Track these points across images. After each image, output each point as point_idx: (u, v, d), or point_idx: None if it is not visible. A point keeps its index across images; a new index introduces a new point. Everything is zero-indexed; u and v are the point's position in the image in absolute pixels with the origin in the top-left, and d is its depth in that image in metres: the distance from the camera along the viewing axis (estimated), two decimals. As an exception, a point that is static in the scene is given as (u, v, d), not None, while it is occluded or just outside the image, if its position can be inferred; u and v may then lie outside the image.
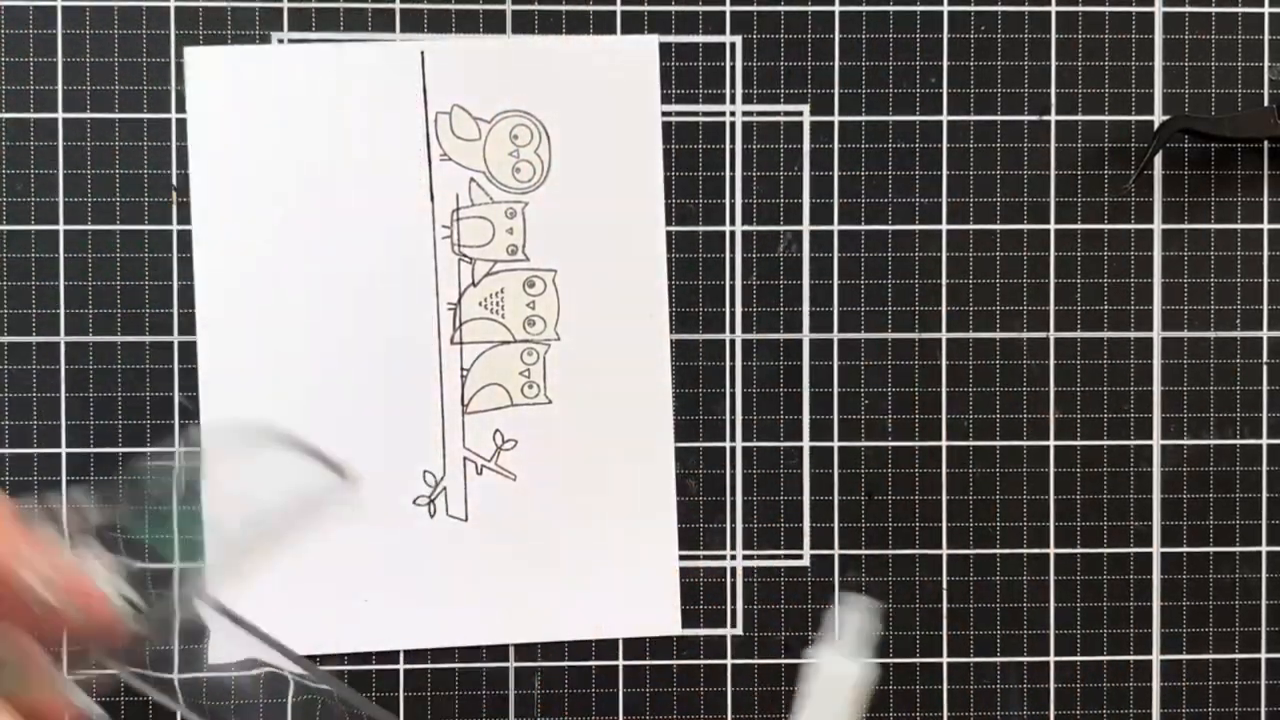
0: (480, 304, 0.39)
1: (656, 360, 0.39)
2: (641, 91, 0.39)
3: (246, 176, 0.38)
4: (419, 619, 0.38)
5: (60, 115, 0.39)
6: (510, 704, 0.39)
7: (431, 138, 0.38)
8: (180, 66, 0.39)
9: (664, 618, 0.39)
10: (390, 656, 0.39)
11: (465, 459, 0.39)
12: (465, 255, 0.39)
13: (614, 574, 0.39)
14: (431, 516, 0.38)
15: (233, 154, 0.38)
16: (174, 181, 0.38)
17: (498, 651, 0.39)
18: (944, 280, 0.40)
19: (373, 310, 0.38)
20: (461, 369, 0.39)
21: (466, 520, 0.39)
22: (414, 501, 0.38)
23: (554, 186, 0.39)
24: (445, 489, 0.38)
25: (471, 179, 0.39)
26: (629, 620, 0.39)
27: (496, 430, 0.39)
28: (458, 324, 0.39)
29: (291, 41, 0.39)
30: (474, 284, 0.39)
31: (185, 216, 0.38)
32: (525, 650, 0.39)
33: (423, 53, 0.38)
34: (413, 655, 0.39)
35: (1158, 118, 0.40)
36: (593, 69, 0.39)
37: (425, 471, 0.38)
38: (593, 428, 0.38)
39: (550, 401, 0.39)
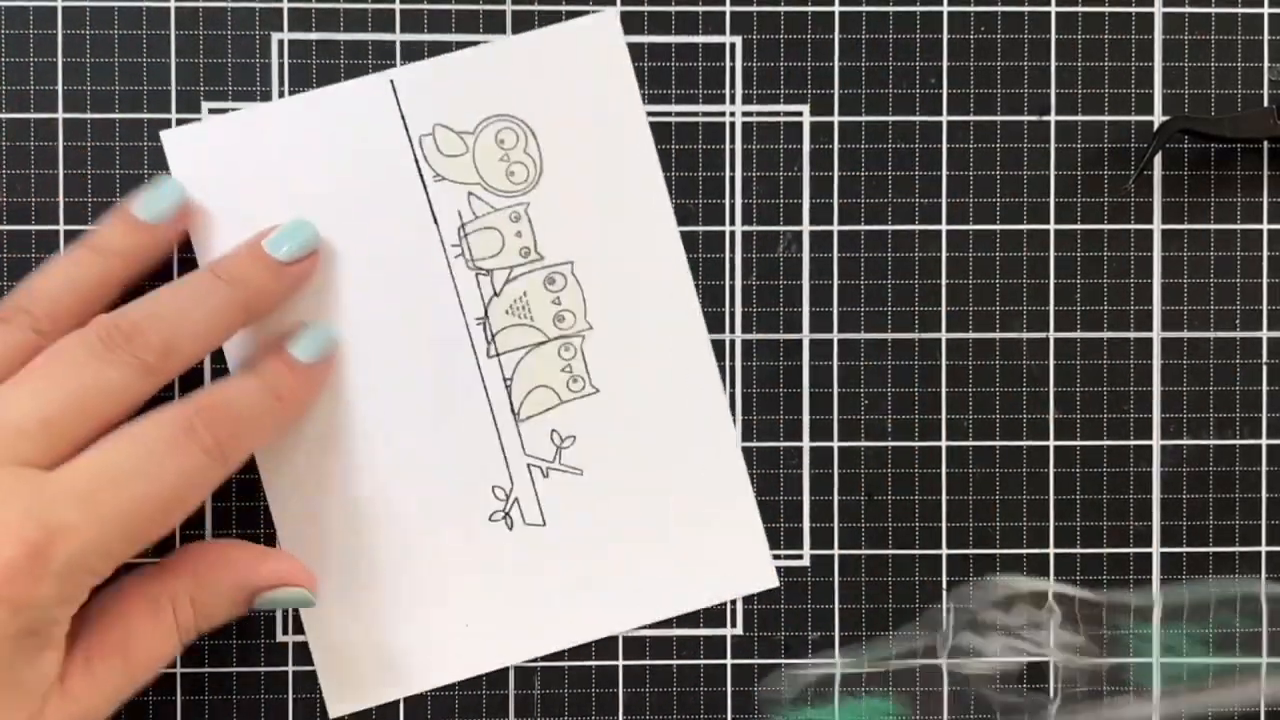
0: (507, 312, 0.39)
1: (691, 328, 0.39)
2: (614, 67, 0.39)
3: (245, 210, 0.38)
4: (523, 631, 0.39)
5: (60, 115, 0.39)
6: (510, 704, 0.39)
7: (421, 161, 0.38)
8: (180, 67, 0.38)
9: (761, 573, 0.39)
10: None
11: (529, 465, 0.39)
12: (481, 268, 0.39)
13: (702, 540, 0.39)
14: (510, 529, 0.39)
15: (231, 223, 0.38)
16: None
17: (580, 649, 0.39)
18: (944, 280, 0.40)
19: (403, 345, 0.38)
20: (504, 379, 0.39)
21: (545, 525, 0.39)
22: (490, 518, 0.38)
23: (551, 181, 0.39)
24: (517, 499, 0.39)
25: (469, 193, 0.39)
26: (729, 584, 0.39)
27: (553, 430, 0.39)
28: (490, 336, 0.39)
29: (291, 42, 0.39)
30: (496, 294, 0.39)
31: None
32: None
33: (392, 81, 0.38)
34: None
35: (1158, 118, 0.40)
36: (561, 57, 0.39)
37: (494, 487, 0.38)
38: (646, 406, 0.39)
39: (598, 390, 0.39)
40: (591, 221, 0.39)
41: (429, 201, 0.38)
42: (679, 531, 0.39)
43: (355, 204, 0.38)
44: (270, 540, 0.39)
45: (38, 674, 0.32)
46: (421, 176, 0.38)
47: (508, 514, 0.39)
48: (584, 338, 0.39)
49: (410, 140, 0.38)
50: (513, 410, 0.39)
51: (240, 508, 0.39)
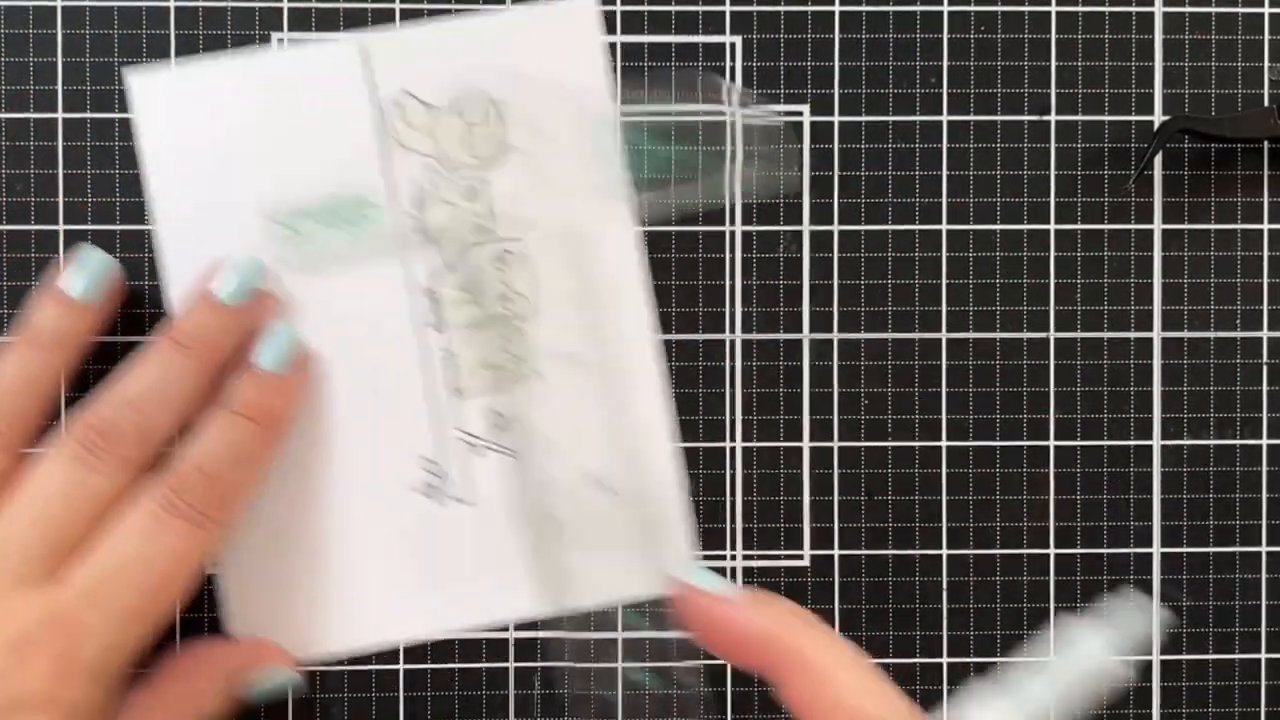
0: (456, 287, 0.39)
1: (637, 317, 0.39)
2: (587, 54, 0.39)
3: (209, 193, 0.38)
4: (442, 605, 0.38)
5: (60, 115, 0.39)
6: (510, 704, 0.39)
7: (385, 128, 0.38)
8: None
9: (681, 571, 0.38)
10: (390, 657, 0.39)
11: (464, 442, 0.39)
12: (434, 240, 0.39)
13: (628, 534, 0.39)
14: (437, 504, 0.38)
15: (192, 172, 0.38)
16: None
17: (498, 650, 0.39)
18: (944, 280, 0.40)
19: (348, 310, 0.38)
20: (447, 353, 0.39)
21: (473, 504, 0.39)
22: (418, 491, 0.38)
23: (512, 160, 0.39)
24: (447, 474, 0.38)
25: (430, 164, 0.39)
26: (646, 581, 0.39)
27: (491, 409, 0.39)
28: (436, 309, 0.39)
29: (291, 42, 0.39)
30: (447, 268, 0.39)
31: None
32: (525, 649, 0.39)
33: (365, 45, 0.38)
34: (412, 655, 0.39)
35: (1158, 118, 0.40)
36: (535, 39, 0.38)
37: (426, 460, 0.38)
38: (585, 395, 0.38)
39: (539, 374, 0.39)
40: (549, 205, 0.39)
41: (389, 168, 0.38)
42: (605, 522, 0.39)
43: (315, 163, 0.38)
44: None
45: None
46: (384, 143, 0.38)
47: (436, 488, 0.38)
48: (530, 320, 0.39)
49: (377, 106, 0.38)
50: (452, 385, 0.39)
51: None
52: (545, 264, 0.38)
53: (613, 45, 0.39)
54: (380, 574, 0.38)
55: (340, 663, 0.39)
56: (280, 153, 0.38)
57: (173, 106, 0.38)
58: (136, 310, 0.39)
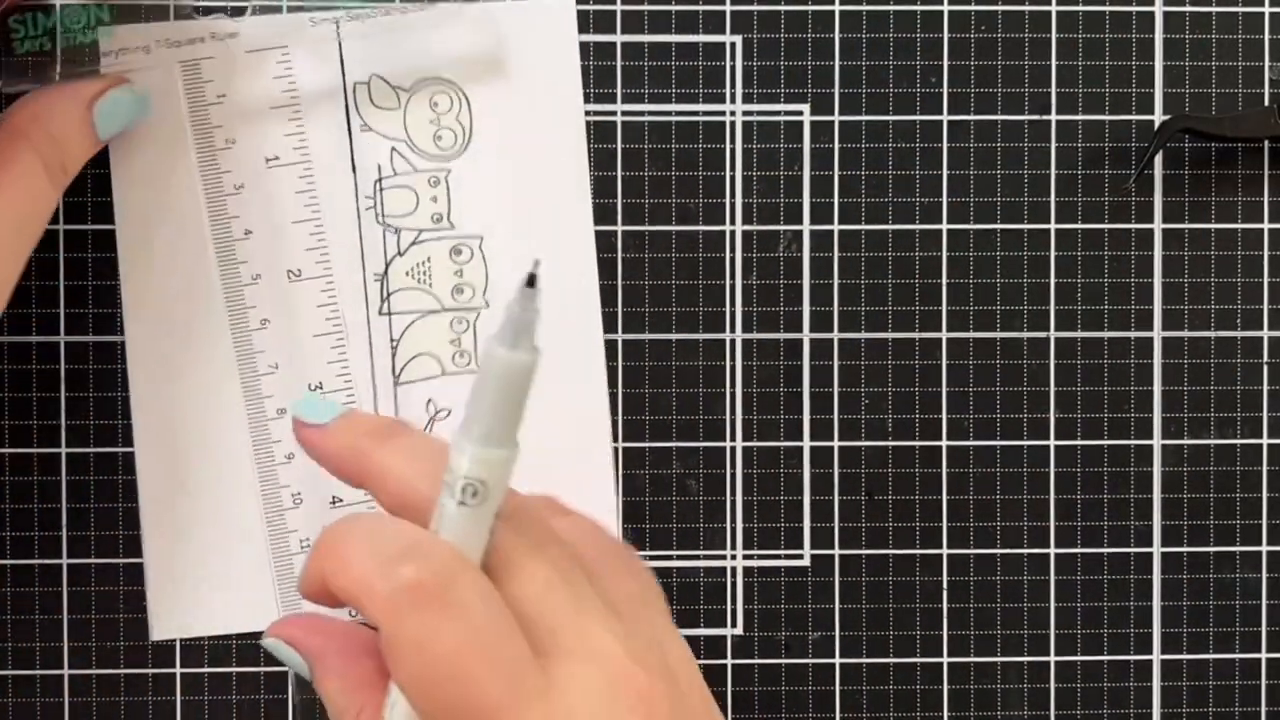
0: (407, 274, 0.39)
1: (588, 321, 0.39)
2: (560, 53, 0.39)
3: (165, 159, 0.38)
4: None
5: (60, 115, 0.38)
6: (510, 704, 0.39)
7: (351, 109, 0.38)
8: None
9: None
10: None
11: None
12: (390, 225, 0.39)
13: None
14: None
15: (149, 134, 0.37)
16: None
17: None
18: (944, 280, 0.40)
19: (299, 285, 0.38)
20: (391, 340, 0.39)
21: None
22: None
23: (476, 153, 0.39)
24: None
25: (393, 148, 0.39)
26: None
27: (429, 400, 0.39)
28: (385, 295, 0.39)
29: (262, 10, 0.39)
30: (400, 254, 0.39)
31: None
32: (525, 650, 0.39)
33: (338, 23, 0.38)
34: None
35: (1158, 117, 0.40)
36: (510, 33, 0.38)
37: None
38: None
39: None
40: (508, 201, 0.39)
41: (351, 149, 0.38)
42: None
43: (278, 137, 0.38)
44: (134, 474, 0.39)
45: None
46: (349, 123, 0.38)
47: None
48: (479, 314, 0.39)
49: (344, 85, 0.38)
50: (393, 372, 0.39)
51: (100, 425, 0.38)
52: (500, 259, 0.38)
53: (612, 45, 0.39)
54: (303, 553, 0.38)
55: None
56: (246, 121, 0.38)
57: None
58: (110, 310, 0.38)
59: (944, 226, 0.40)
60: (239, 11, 0.38)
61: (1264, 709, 0.40)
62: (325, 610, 0.32)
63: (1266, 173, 0.40)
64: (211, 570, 0.38)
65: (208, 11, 0.38)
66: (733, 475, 0.40)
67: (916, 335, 0.40)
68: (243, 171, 0.38)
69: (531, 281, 0.27)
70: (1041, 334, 0.40)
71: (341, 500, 0.38)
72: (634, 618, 0.30)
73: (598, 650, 0.29)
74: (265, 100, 0.38)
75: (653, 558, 0.39)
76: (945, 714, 0.40)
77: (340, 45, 0.38)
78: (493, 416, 0.28)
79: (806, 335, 0.39)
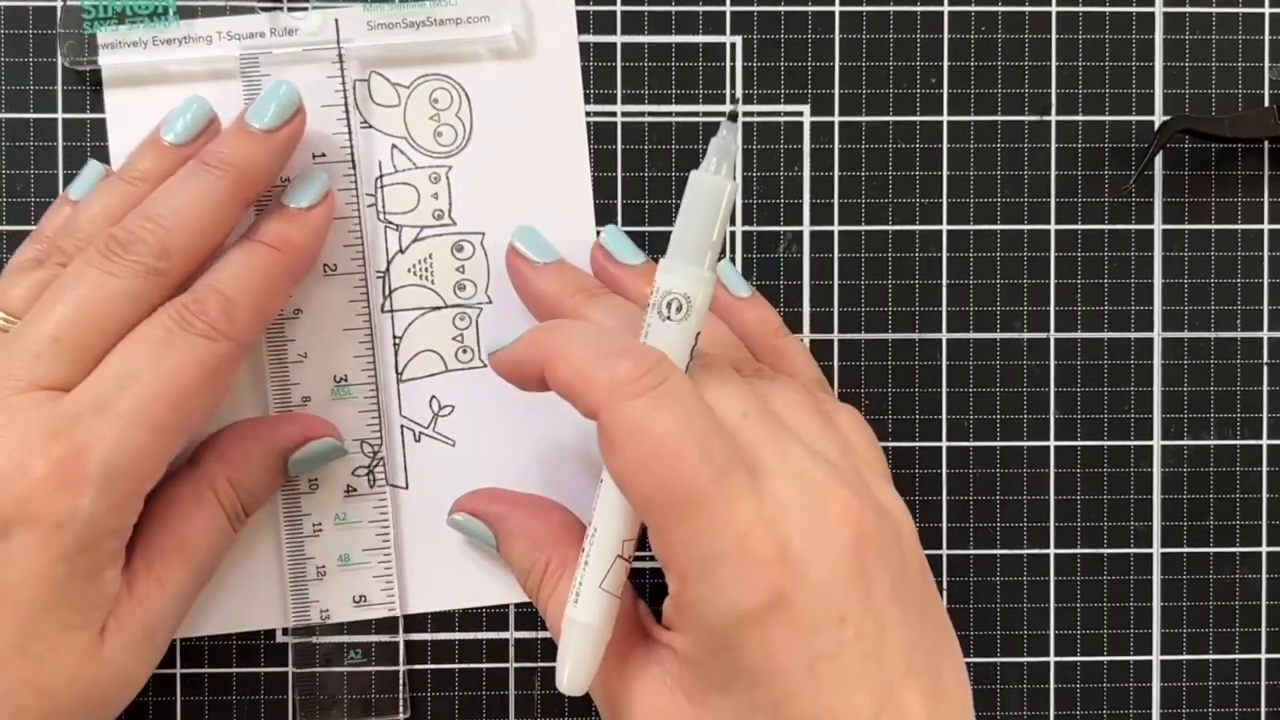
0: (409, 270, 0.39)
1: None
2: (561, 52, 0.39)
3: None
4: (369, 589, 0.38)
5: (60, 115, 0.39)
6: (510, 704, 0.39)
7: (351, 105, 0.38)
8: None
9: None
10: (390, 657, 0.39)
11: (403, 427, 0.39)
12: (391, 222, 0.39)
13: None
14: (370, 486, 0.38)
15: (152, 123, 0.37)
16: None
17: (497, 651, 0.39)
18: (945, 280, 0.40)
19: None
20: (394, 337, 0.39)
21: (407, 488, 0.39)
22: (353, 472, 0.38)
23: (477, 149, 0.39)
24: (384, 458, 0.38)
25: (394, 145, 0.39)
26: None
27: (432, 397, 0.39)
28: (387, 292, 0.39)
29: (266, 10, 0.39)
30: (402, 251, 0.39)
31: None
32: (525, 649, 0.39)
33: (337, 21, 0.38)
34: (412, 655, 0.39)
35: (1158, 118, 0.40)
36: (510, 30, 0.38)
37: (363, 442, 0.38)
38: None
39: (485, 365, 0.39)
40: (509, 197, 0.39)
41: (352, 146, 0.38)
42: None
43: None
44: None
45: (98, 592, 0.32)
46: (349, 120, 0.38)
47: (371, 471, 0.38)
48: (481, 310, 0.39)
49: (344, 82, 0.38)
50: (396, 369, 0.39)
51: None
52: (501, 255, 0.38)
53: (612, 45, 0.39)
54: (321, 553, 0.38)
55: (340, 663, 0.39)
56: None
57: (139, 57, 0.38)
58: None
59: (944, 227, 0.40)
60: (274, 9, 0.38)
61: (1264, 709, 0.40)
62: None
63: (1266, 173, 0.40)
64: (237, 567, 0.38)
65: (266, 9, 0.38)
66: (733, 475, 0.39)
67: (916, 335, 0.40)
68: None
69: (733, 117, 0.31)
70: (1041, 334, 0.40)
71: (355, 490, 0.38)
72: (839, 458, 0.32)
73: (800, 470, 0.30)
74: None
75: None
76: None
77: (340, 42, 0.38)
78: (696, 237, 0.31)
79: (807, 335, 0.39)
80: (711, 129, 0.39)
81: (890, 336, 0.40)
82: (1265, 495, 0.40)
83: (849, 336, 0.40)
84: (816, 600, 0.29)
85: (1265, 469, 0.40)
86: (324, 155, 0.38)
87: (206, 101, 0.37)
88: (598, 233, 0.39)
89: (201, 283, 0.34)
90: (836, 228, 0.40)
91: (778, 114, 0.39)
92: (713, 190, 0.31)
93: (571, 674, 0.32)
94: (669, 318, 0.31)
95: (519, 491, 0.38)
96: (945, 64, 0.40)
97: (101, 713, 0.33)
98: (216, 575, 0.37)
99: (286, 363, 0.38)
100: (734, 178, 0.31)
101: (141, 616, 0.33)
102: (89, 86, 0.38)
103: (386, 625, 0.39)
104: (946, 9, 0.40)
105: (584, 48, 0.39)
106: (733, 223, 0.39)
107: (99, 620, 0.33)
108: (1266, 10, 0.40)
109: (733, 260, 0.39)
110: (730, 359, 0.34)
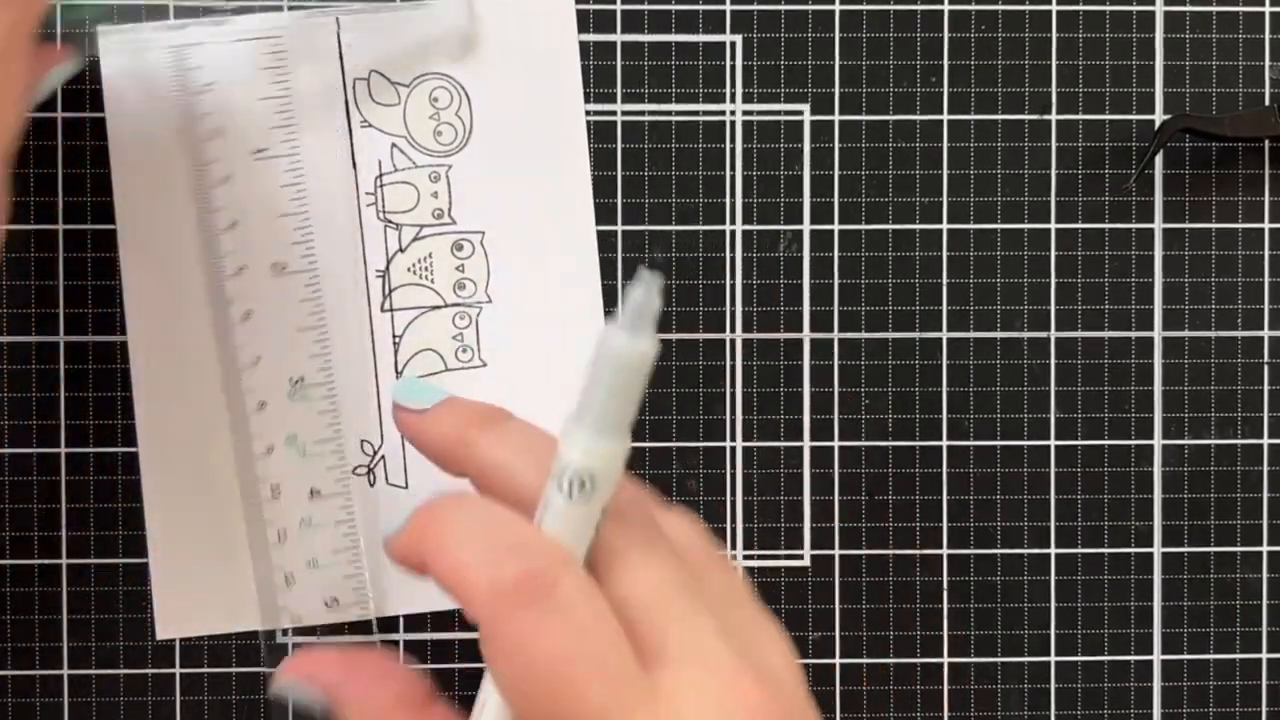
0: (409, 270, 0.39)
1: (589, 316, 0.39)
2: (560, 50, 0.39)
3: (167, 156, 0.38)
4: (370, 587, 0.38)
5: (60, 115, 0.39)
6: (510, 704, 0.39)
7: (351, 104, 0.38)
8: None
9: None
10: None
11: None
12: (391, 221, 0.39)
13: None
14: (370, 485, 0.38)
15: (150, 132, 0.37)
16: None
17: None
18: (944, 280, 0.40)
19: (299, 282, 0.38)
20: (393, 336, 0.39)
21: (407, 488, 0.39)
22: (353, 471, 0.38)
23: (477, 148, 0.39)
24: (384, 457, 0.38)
25: (393, 144, 0.39)
26: None
27: None
28: (387, 291, 0.39)
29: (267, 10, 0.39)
30: (401, 250, 0.39)
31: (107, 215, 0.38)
32: (525, 650, 0.39)
33: (337, 20, 0.38)
34: (411, 654, 0.39)
35: (1159, 117, 0.40)
36: (507, 26, 0.38)
37: (363, 441, 0.38)
38: (528, 389, 0.38)
39: (485, 364, 0.39)
40: (509, 196, 0.39)
41: (351, 146, 0.38)
42: None
43: (278, 133, 0.38)
44: (134, 474, 0.39)
45: None
46: (349, 120, 0.38)
47: (371, 470, 0.38)
48: (481, 309, 0.39)
49: (344, 81, 0.38)
50: (396, 368, 0.39)
51: (100, 425, 0.38)
52: (501, 255, 0.38)
53: (612, 44, 0.39)
54: (311, 552, 0.38)
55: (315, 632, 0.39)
56: (245, 117, 0.38)
57: (141, 64, 0.38)
58: (110, 310, 0.38)
59: (944, 226, 0.40)
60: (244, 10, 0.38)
61: (1264, 709, 0.40)
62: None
63: (1267, 173, 0.40)
64: (217, 569, 0.38)
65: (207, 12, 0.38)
66: (733, 475, 0.40)
67: (916, 335, 0.40)
68: (232, 163, 0.38)
69: (653, 266, 0.27)
70: (1041, 334, 0.40)
71: (319, 492, 0.38)
72: (737, 620, 0.29)
73: (707, 658, 0.27)
74: (254, 91, 0.38)
75: (653, 558, 0.39)
76: (945, 714, 0.40)
77: (339, 41, 0.38)
78: (607, 407, 0.27)
79: (806, 335, 0.39)
80: (712, 128, 0.39)
81: (890, 336, 0.40)
82: (1266, 494, 0.40)
83: (849, 336, 0.40)
84: None
85: (1266, 468, 0.40)
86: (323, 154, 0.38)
87: None
88: (599, 234, 0.39)
89: None
90: (836, 227, 0.40)
91: (777, 113, 0.39)
92: (628, 357, 0.27)
93: None
94: (571, 496, 0.27)
95: (355, 650, 0.32)
96: (945, 62, 0.40)
97: None
98: (216, 575, 0.37)
99: (240, 368, 0.38)
100: (655, 338, 0.27)
101: None
102: (89, 86, 0.38)
103: (386, 625, 0.39)
104: (946, 8, 0.40)
105: (584, 47, 0.39)
106: (733, 222, 0.39)
107: None
108: (1267, 9, 0.40)
109: (732, 260, 0.39)
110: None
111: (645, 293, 0.26)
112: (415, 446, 0.33)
